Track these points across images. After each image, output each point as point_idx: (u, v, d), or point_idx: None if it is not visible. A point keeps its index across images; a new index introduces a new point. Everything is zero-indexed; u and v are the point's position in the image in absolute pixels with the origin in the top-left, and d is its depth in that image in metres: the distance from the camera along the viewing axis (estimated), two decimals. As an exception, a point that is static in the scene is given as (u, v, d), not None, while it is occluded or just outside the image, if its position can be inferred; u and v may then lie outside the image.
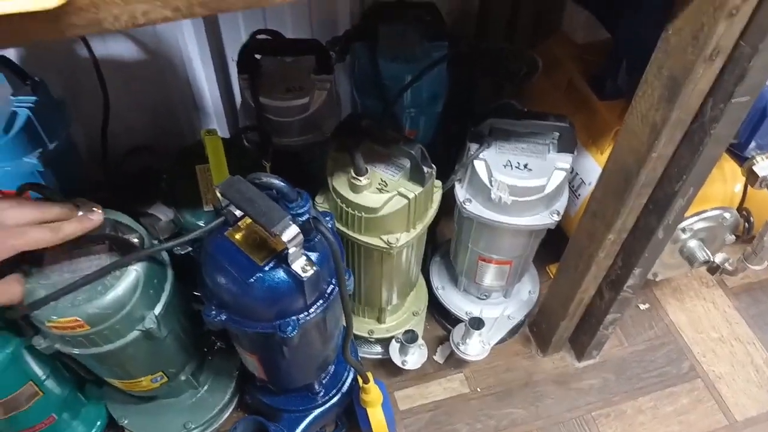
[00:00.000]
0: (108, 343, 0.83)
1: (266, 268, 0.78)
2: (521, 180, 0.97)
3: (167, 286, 0.88)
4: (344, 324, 0.89)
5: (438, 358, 1.27)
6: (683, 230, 1.11)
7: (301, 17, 1.31)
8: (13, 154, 1.06)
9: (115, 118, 1.24)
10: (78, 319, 0.78)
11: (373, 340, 1.22)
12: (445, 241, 1.32)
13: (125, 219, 0.85)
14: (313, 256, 0.79)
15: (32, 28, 0.45)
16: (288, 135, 1.11)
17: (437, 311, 1.32)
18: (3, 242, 0.69)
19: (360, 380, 1.03)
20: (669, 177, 0.87)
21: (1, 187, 1.08)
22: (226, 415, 1.15)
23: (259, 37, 1.14)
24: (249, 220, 0.83)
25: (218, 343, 1.12)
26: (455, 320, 1.27)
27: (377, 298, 1.13)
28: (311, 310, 0.82)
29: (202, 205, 0.97)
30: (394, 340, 1.19)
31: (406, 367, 1.16)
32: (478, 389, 1.25)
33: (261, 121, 1.08)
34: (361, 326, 1.20)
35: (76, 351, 0.84)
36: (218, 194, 0.79)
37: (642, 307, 1.37)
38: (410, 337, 1.14)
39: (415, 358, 1.17)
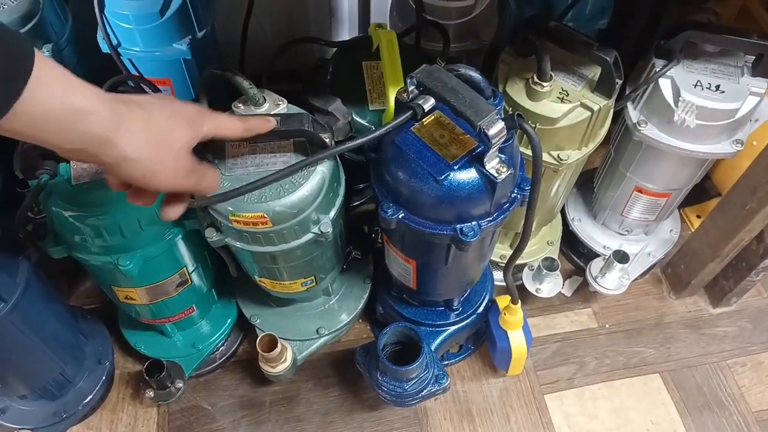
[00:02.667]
0: (282, 243, 0.80)
1: (456, 167, 0.73)
2: (712, 102, 0.89)
3: (341, 191, 0.84)
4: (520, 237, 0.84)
5: (565, 290, 1.23)
6: None
7: None
8: (164, 38, 1.03)
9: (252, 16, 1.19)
10: (264, 215, 0.75)
11: (503, 265, 1.18)
12: (583, 171, 1.25)
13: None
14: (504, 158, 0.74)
15: None
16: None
17: (567, 243, 1.26)
18: (199, 116, 0.63)
19: (506, 302, 1.00)
20: None
21: (148, 74, 1.06)
22: (352, 324, 1.14)
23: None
24: (432, 117, 0.78)
25: (354, 253, 1.09)
26: (587, 253, 1.23)
27: (518, 221, 1.08)
28: (493, 216, 0.77)
29: (368, 103, 0.92)
30: (527, 268, 1.14)
31: (540, 295, 1.12)
32: (607, 325, 1.20)
33: (420, 21, 1.02)
34: (494, 251, 1.16)
35: (246, 247, 0.81)
36: (408, 86, 0.75)
37: (785, 258, 1.30)
38: (550, 264, 1.10)
39: (549, 286, 1.12)
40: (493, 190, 0.73)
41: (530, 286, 1.13)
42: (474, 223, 0.76)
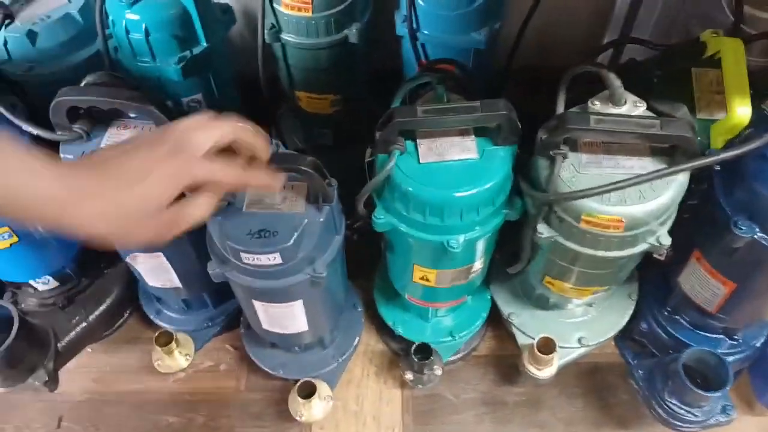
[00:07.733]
0: (617, 249, 0.78)
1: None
2: None
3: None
4: None
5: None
6: None
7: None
8: (465, 26, 1.04)
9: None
10: (622, 219, 0.73)
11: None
12: None
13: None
14: None
15: None
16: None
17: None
18: (186, 168, 0.59)
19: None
20: None
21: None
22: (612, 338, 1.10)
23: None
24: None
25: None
26: None
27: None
28: None
29: (695, 111, 0.88)
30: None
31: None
32: None
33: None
34: None
35: (579, 248, 0.79)
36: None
37: None
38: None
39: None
40: None
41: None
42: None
